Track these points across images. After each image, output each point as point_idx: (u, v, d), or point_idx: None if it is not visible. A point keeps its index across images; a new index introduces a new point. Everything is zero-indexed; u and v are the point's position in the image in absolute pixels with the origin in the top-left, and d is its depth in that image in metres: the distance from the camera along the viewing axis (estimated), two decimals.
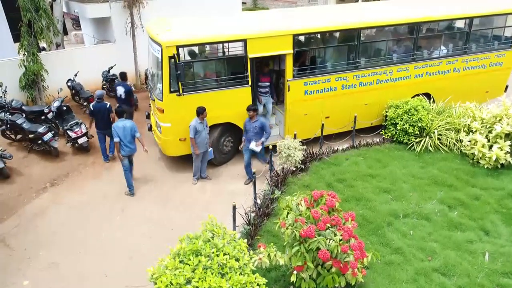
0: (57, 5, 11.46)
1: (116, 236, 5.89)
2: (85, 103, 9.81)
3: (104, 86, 11.26)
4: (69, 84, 10.36)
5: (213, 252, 3.84)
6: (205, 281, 3.53)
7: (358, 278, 4.09)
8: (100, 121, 7.59)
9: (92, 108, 7.55)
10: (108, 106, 7.56)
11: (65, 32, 14.10)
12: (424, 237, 5.39)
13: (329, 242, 3.89)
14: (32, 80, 9.49)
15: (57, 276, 5.13)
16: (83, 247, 5.66)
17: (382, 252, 5.03)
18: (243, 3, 28.04)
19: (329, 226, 4.03)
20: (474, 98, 9.22)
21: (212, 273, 3.65)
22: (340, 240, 3.91)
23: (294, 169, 6.92)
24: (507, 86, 9.67)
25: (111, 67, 11.13)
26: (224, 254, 3.84)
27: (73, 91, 10.37)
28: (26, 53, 9.16)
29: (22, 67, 9.37)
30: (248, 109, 6.73)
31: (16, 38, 11.03)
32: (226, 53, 7.15)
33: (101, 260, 5.42)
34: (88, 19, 12.29)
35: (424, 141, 7.69)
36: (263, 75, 7.75)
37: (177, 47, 6.38)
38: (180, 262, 3.81)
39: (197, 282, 3.53)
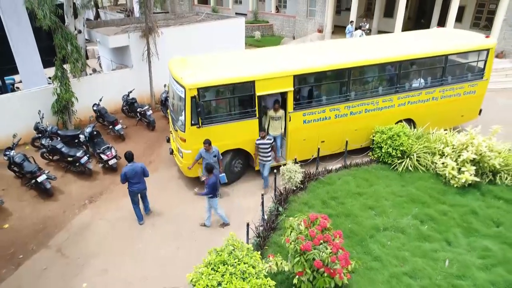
0: (81, 35, 12.75)
1: (150, 247, 7.21)
2: (110, 126, 11.12)
3: (124, 108, 12.59)
4: (94, 108, 11.68)
5: (235, 262, 5.18)
6: (232, 283, 4.87)
7: (343, 280, 5.41)
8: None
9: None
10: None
11: (86, 57, 15.39)
12: (399, 247, 6.73)
13: (321, 254, 5.23)
14: (64, 106, 10.79)
15: (108, 280, 6.45)
16: (124, 256, 6.98)
17: (364, 259, 6.37)
18: (243, 14, 29.57)
19: (322, 242, 5.37)
20: (451, 121, 10.67)
21: (236, 278, 4.98)
22: (330, 252, 5.26)
23: (295, 188, 8.26)
24: (481, 110, 11.03)
25: (131, 91, 12.46)
26: (244, 263, 5.18)
27: (98, 114, 11.67)
28: (59, 83, 10.44)
29: (55, 95, 10.68)
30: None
31: (44, 64, 12.39)
32: (238, 92, 8.42)
33: (140, 266, 6.74)
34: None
35: (405, 162, 9.04)
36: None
37: (198, 89, 7.72)
38: (212, 269, 5.15)
39: (226, 284, 4.86)
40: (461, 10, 19.92)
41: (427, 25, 20.49)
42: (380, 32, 21.91)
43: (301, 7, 24.55)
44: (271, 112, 8.67)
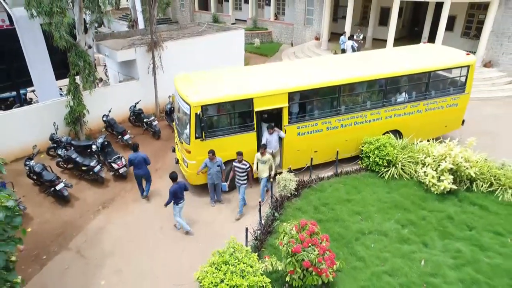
0: (90, 50, 13.58)
1: (158, 248, 8.05)
2: (119, 136, 11.97)
3: (131, 118, 13.43)
4: (104, 119, 12.53)
5: (236, 262, 6.02)
6: (232, 280, 5.71)
7: (329, 278, 6.25)
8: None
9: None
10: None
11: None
12: (381, 249, 7.57)
13: (310, 255, 6.07)
14: (76, 118, 11.63)
15: (123, 279, 7.29)
16: (136, 257, 7.82)
17: (349, 260, 7.22)
18: (243, 20, 30.34)
19: (310, 245, 6.22)
20: (435, 131, 11.52)
21: (236, 276, 5.83)
22: (317, 254, 6.10)
23: (289, 195, 9.10)
24: (463, 120, 11.87)
25: (137, 102, 13.31)
26: (243, 263, 6.02)
27: (107, 125, 12.51)
28: (72, 96, 11.27)
29: (68, 107, 11.51)
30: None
31: (56, 76, 13.23)
32: (238, 108, 9.25)
33: (151, 266, 7.57)
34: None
35: (391, 171, 9.88)
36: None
37: (202, 106, 8.56)
38: (215, 268, 5.99)
39: (228, 281, 5.70)
40: (452, 19, 20.80)
41: (420, 33, 21.30)
42: (375, 39, 22.81)
43: (299, 16, 25.39)
44: (258, 155, 8.92)
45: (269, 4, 28.80)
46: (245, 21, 30.00)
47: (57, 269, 7.51)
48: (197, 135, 8.79)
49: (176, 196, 8.04)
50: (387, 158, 9.83)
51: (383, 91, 10.31)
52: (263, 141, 9.27)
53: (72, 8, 11.38)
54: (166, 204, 8.18)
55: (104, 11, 13.05)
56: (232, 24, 30.52)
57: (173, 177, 8.08)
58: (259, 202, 8.39)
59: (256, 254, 6.43)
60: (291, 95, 9.31)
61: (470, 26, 20.66)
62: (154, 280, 7.23)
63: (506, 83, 17.06)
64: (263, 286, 5.86)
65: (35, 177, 9.79)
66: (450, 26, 20.77)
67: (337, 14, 25.91)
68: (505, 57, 17.35)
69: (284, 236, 6.45)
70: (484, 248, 7.49)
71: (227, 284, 5.66)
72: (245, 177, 8.68)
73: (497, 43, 17.42)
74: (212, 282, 5.71)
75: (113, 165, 10.11)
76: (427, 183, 9.15)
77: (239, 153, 8.49)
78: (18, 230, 4.78)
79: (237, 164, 8.59)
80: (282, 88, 9.18)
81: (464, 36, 20.99)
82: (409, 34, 24.78)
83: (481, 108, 15.09)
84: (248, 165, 8.55)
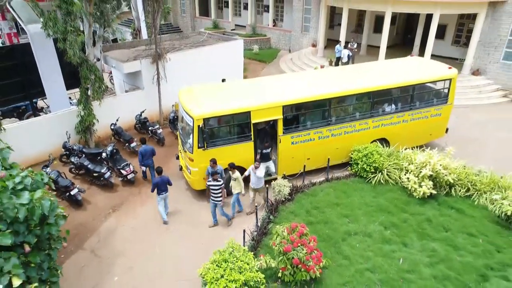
0: (99, 62, 14.44)
1: (165, 248, 8.90)
2: (126, 144, 12.84)
3: (137, 126, 14.31)
4: (112, 127, 13.40)
5: (234, 260, 6.88)
6: (231, 276, 6.57)
7: (316, 274, 7.11)
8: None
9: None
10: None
11: None
12: (365, 248, 8.42)
13: (299, 254, 6.94)
14: (86, 127, 12.49)
15: (134, 276, 8.14)
16: (145, 256, 8.68)
17: (336, 258, 8.08)
18: (242, 26, 31.16)
19: (300, 245, 7.08)
20: (420, 139, 12.39)
21: (234, 272, 6.68)
22: (305, 253, 6.96)
23: (284, 200, 9.96)
24: (447, 129, 12.74)
25: (143, 111, 14.18)
26: (241, 261, 6.88)
27: (115, 133, 13.38)
28: (83, 107, 12.14)
29: (79, 117, 12.38)
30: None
31: (66, 87, 14.09)
32: (236, 120, 10.11)
33: (158, 264, 8.43)
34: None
35: (377, 177, 10.73)
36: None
37: (204, 119, 9.43)
38: (216, 265, 6.85)
39: (227, 276, 6.56)
40: (443, 28, 21.69)
41: (413, 40, 22.11)
42: (369, 46, 23.69)
43: (296, 23, 26.26)
44: (230, 172, 9.44)
45: (268, 11, 29.69)
46: (244, 26, 30.87)
47: (74, 267, 8.37)
48: (199, 145, 9.64)
49: (158, 188, 9.31)
50: (374, 165, 10.68)
51: (371, 103, 11.18)
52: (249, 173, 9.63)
53: (82, 24, 12.26)
54: (152, 191, 9.48)
55: (111, 24, 13.89)
56: (232, 30, 31.45)
57: (158, 171, 9.40)
58: (255, 206, 9.25)
59: (253, 253, 7.29)
60: (285, 108, 10.17)
61: (461, 35, 21.56)
62: (162, 277, 8.09)
63: (493, 91, 17.94)
64: (257, 281, 6.71)
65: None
66: (441, 35, 21.67)
67: (334, 21, 26.79)
68: (492, 66, 18.23)
69: (276, 237, 7.32)
70: (457, 247, 8.35)
71: (226, 279, 6.52)
72: (220, 194, 9.04)
73: (485, 52, 18.29)
74: (213, 277, 6.57)
75: (122, 171, 10.97)
76: (409, 188, 10.01)
77: (213, 173, 8.94)
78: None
79: (212, 183, 8.90)
80: (276, 101, 10.05)
81: (454, 44, 21.89)
82: (403, 41, 25.65)
83: (468, 115, 15.98)
84: (222, 182, 8.96)
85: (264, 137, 11.04)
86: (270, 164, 10.77)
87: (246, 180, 9.83)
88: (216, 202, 9.15)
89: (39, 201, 4.90)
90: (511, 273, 7.65)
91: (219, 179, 8.96)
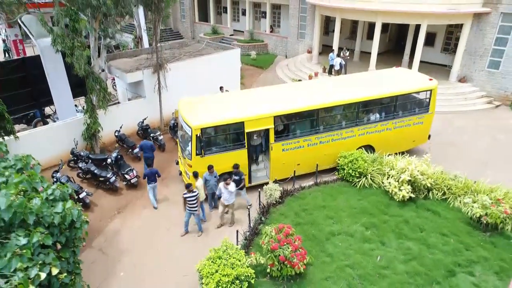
0: (103, 72, 15.34)
1: (167, 247, 9.80)
2: (129, 150, 13.74)
3: (139, 132, 15.20)
4: (116, 134, 14.30)
5: (227, 257, 7.77)
6: (224, 270, 7.46)
7: (300, 270, 7.99)
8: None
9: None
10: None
11: None
12: (347, 247, 9.31)
13: (285, 252, 7.83)
14: (92, 134, 13.39)
15: (138, 271, 9.04)
16: (148, 254, 9.57)
17: (320, 256, 8.97)
18: (240, 31, 32.01)
19: (286, 243, 7.97)
20: (404, 146, 13.28)
21: (227, 267, 7.57)
22: (291, 251, 7.86)
23: (275, 202, 10.86)
24: (429, 135, 13.62)
25: (145, 119, 15.07)
26: (233, 258, 7.78)
27: (119, 139, 14.27)
28: (89, 115, 13.03)
29: (85, 125, 13.28)
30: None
31: (73, 95, 15.00)
32: (231, 129, 11.00)
33: (160, 261, 9.32)
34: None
35: (362, 181, 11.62)
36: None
37: (201, 129, 10.32)
38: (211, 262, 7.74)
39: (221, 271, 7.46)
40: (433, 36, 22.60)
41: (405, 47, 22.96)
42: (363, 52, 24.55)
43: (292, 30, 27.16)
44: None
45: (265, 17, 30.58)
46: (243, 32, 31.77)
47: (85, 263, 9.17)
48: (197, 152, 10.53)
49: (148, 178, 10.78)
50: (359, 170, 11.57)
51: (356, 112, 12.06)
52: (218, 192, 10.12)
53: (88, 36, 13.16)
54: (143, 178, 11.09)
55: (115, 36, 14.76)
56: (231, 35, 32.32)
57: (148, 164, 11.67)
58: (247, 208, 10.15)
59: (245, 251, 8.18)
60: (276, 118, 11.07)
61: (450, 42, 22.43)
62: (164, 273, 8.98)
63: (478, 98, 18.81)
64: (248, 275, 7.61)
65: None
66: (431, 42, 22.58)
67: (329, 28, 27.68)
68: (477, 74, 19.11)
69: (265, 236, 8.22)
70: (430, 246, 9.23)
71: (220, 274, 7.41)
72: (196, 204, 9.69)
73: (471, 60, 19.17)
74: (209, 272, 7.47)
75: (126, 176, 11.86)
76: (390, 192, 10.90)
77: (188, 185, 9.51)
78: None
79: (188, 195, 9.51)
80: (268, 112, 10.94)
81: (444, 51, 22.77)
82: (395, 48, 26.51)
83: (453, 121, 16.87)
84: (197, 192, 9.64)
85: (257, 145, 11.94)
86: (243, 192, 10.88)
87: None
88: (193, 212, 9.85)
89: (70, 210, 6.08)
90: (477, 269, 8.55)
91: (194, 190, 9.61)
